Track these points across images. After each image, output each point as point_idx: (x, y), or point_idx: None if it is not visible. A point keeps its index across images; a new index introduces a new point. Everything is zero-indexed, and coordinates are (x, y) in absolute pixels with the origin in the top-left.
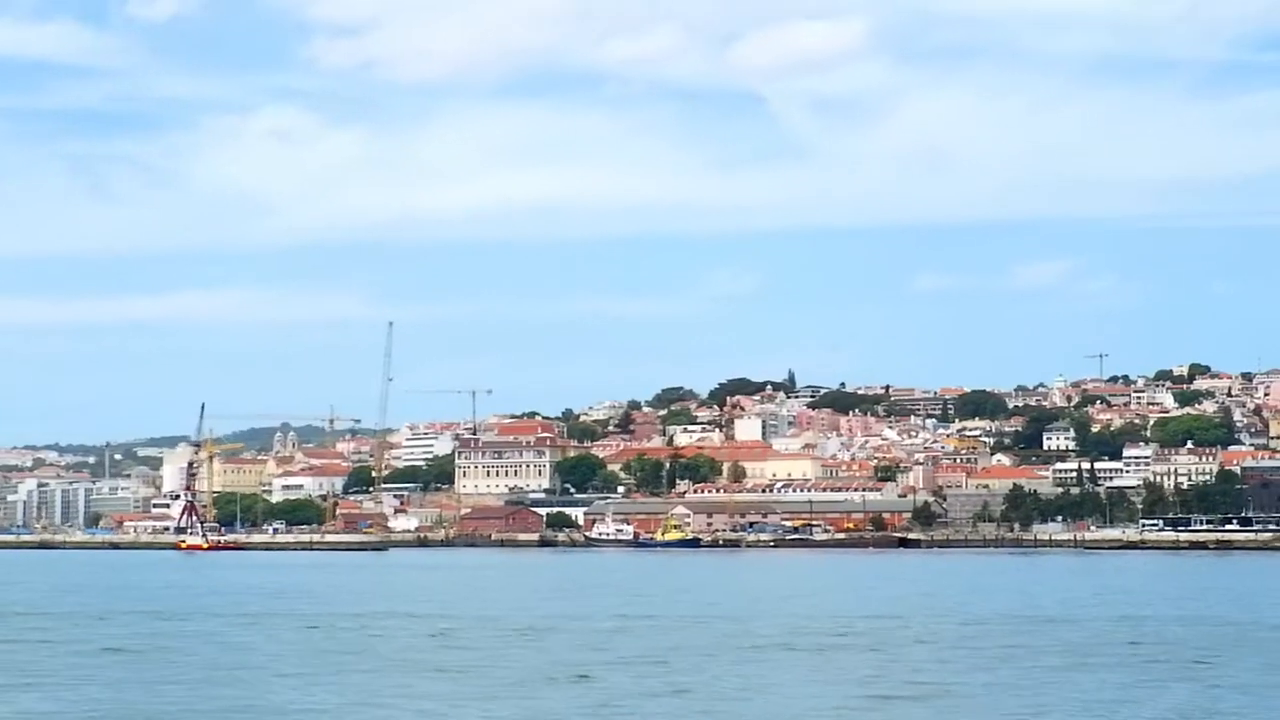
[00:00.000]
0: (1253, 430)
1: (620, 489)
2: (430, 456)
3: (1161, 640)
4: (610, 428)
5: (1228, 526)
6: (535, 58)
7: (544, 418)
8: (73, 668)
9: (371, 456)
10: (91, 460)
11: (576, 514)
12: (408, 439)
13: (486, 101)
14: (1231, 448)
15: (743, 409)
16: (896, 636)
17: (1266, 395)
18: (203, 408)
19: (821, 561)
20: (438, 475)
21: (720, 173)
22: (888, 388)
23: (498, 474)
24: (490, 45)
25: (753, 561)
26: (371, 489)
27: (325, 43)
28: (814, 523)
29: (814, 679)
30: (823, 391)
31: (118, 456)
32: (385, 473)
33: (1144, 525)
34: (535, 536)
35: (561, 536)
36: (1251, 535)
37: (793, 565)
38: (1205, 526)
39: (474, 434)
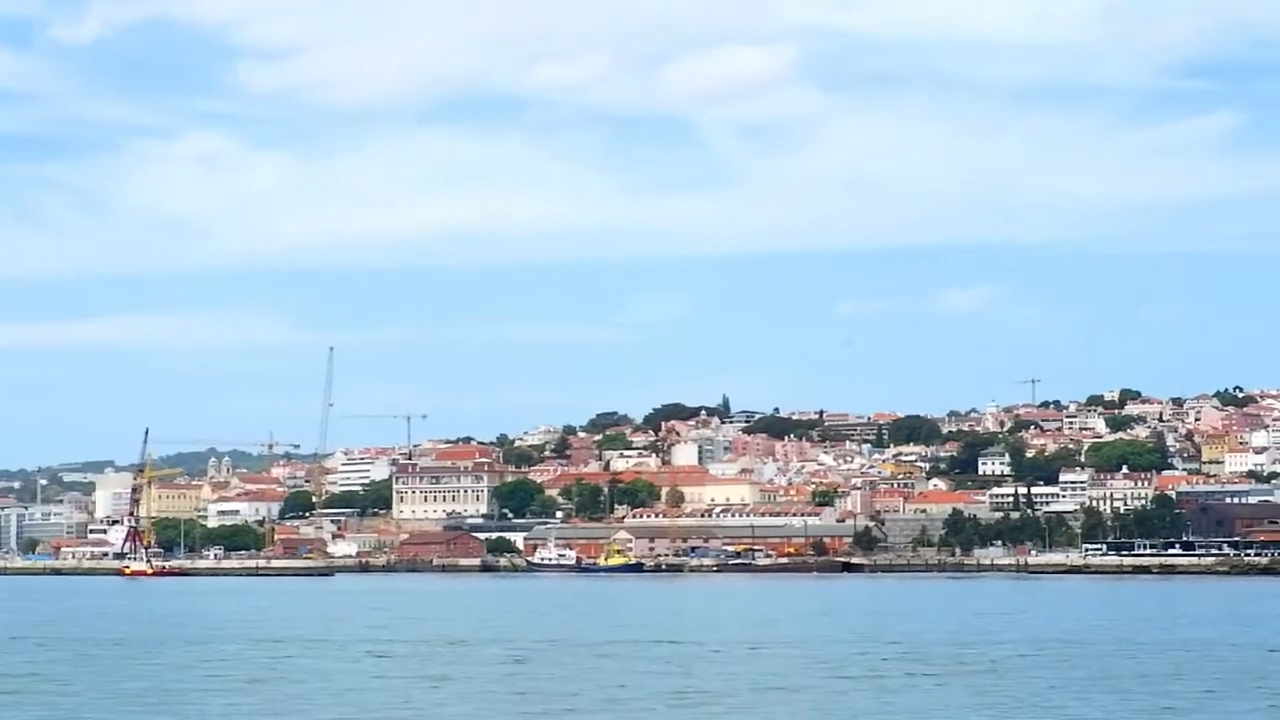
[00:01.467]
0: (1185, 455)
1: (559, 514)
2: (367, 482)
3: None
4: (547, 453)
5: (1170, 551)
6: (462, 83)
7: (479, 443)
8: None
9: (307, 481)
10: (17, 485)
11: (516, 539)
12: (343, 464)
13: (414, 127)
14: (1165, 472)
15: (678, 434)
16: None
17: (1197, 420)
18: (146, 433)
19: (800, 587)
20: (375, 500)
21: (648, 198)
22: (821, 413)
23: (436, 499)
24: (417, 70)
25: (734, 588)
26: (308, 514)
27: (251, 67)
28: (756, 547)
29: None
30: (757, 417)
31: (43, 482)
32: (321, 498)
33: (1087, 550)
34: (477, 562)
35: (503, 561)
36: (1195, 560)
37: (774, 591)
38: (1148, 551)
39: (410, 459)
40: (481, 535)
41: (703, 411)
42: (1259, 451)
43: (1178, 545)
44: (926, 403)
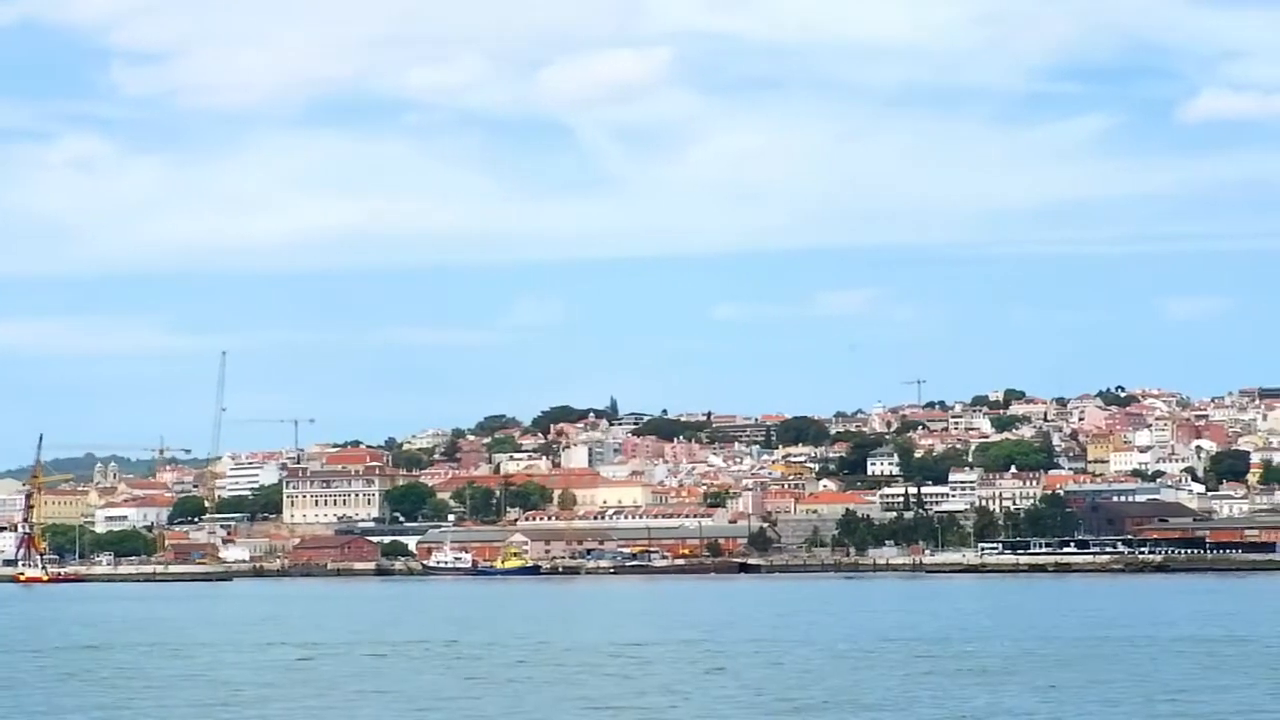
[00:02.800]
0: (1071, 455)
1: (451, 517)
2: (256, 486)
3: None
4: (436, 456)
5: (1066, 550)
6: (340, 86)
7: (368, 446)
8: None
9: (195, 486)
10: None
11: (410, 543)
12: (231, 469)
13: (292, 130)
14: (1052, 472)
15: (567, 437)
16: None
17: (1081, 420)
18: (41, 438)
19: (713, 589)
20: (264, 505)
21: (526, 202)
22: (709, 415)
23: (326, 503)
24: (295, 73)
25: (648, 589)
26: (198, 519)
27: (127, 70)
28: (651, 549)
29: None
30: (646, 419)
31: None
32: (214, 503)
33: (983, 548)
34: (372, 566)
35: (399, 565)
36: (1090, 558)
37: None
38: (1044, 550)
39: (298, 463)
40: (375, 539)
41: (591, 414)
42: (1143, 450)
43: (1073, 544)
44: (812, 404)
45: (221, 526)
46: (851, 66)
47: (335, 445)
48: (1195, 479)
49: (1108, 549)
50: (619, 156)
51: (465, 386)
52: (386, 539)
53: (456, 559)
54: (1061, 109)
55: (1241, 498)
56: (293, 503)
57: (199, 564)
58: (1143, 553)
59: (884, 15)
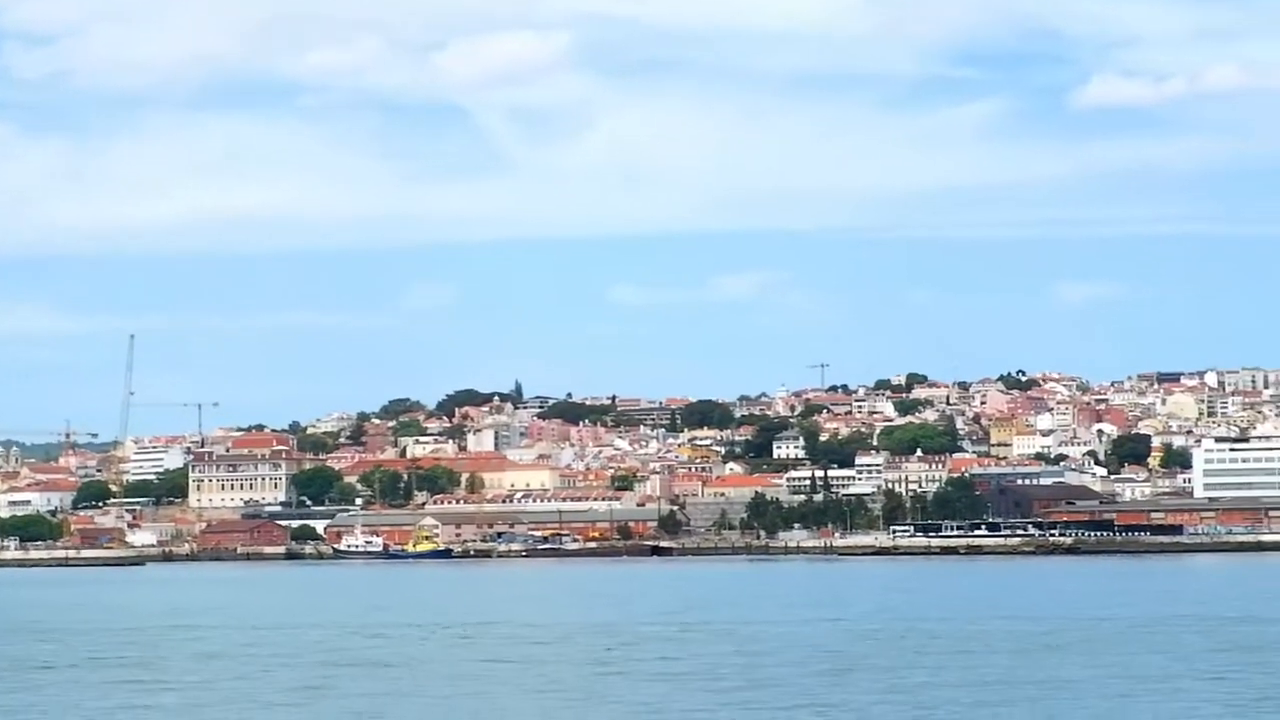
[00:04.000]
0: (974, 438)
1: (358, 501)
2: (160, 470)
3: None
4: (342, 440)
5: (977, 532)
6: (234, 67)
7: (273, 430)
8: None
9: (99, 471)
10: None
11: (318, 527)
12: (135, 453)
13: (188, 112)
14: (956, 455)
15: (473, 420)
16: None
17: (983, 404)
18: None
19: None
20: (170, 489)
21: (422, 184)
22: (614, 398)
23: (232, 487)
24: (188, 55)
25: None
26: (103, 504)
27: (20, 51)
28: (563, 533)
29: None
30: (551, 402)
31: None
32: (115, 488)
33: (895, 531)
34: (281, 550)
35: (309, 549)
36: (1001, 540)
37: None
38: (955, 532)
39: (203, 447)
40: (283, 523)
41: (496, 397)
42: (1045, 434)
43: (984, 527)
44: (714, 388)
45: (127, 510)
46: (748, 52)
47: (239, 429)
48: (1097, 462)
49: (1018, 531)
50: (516, 139)
51: (366, 370)
52: (295, 523)
53: (368, 543)
54: (956, 94)
55: (1144, 481)
56: (199, 487)
57: (108, 548)
58: (1053, 535)
59: (781, 1)
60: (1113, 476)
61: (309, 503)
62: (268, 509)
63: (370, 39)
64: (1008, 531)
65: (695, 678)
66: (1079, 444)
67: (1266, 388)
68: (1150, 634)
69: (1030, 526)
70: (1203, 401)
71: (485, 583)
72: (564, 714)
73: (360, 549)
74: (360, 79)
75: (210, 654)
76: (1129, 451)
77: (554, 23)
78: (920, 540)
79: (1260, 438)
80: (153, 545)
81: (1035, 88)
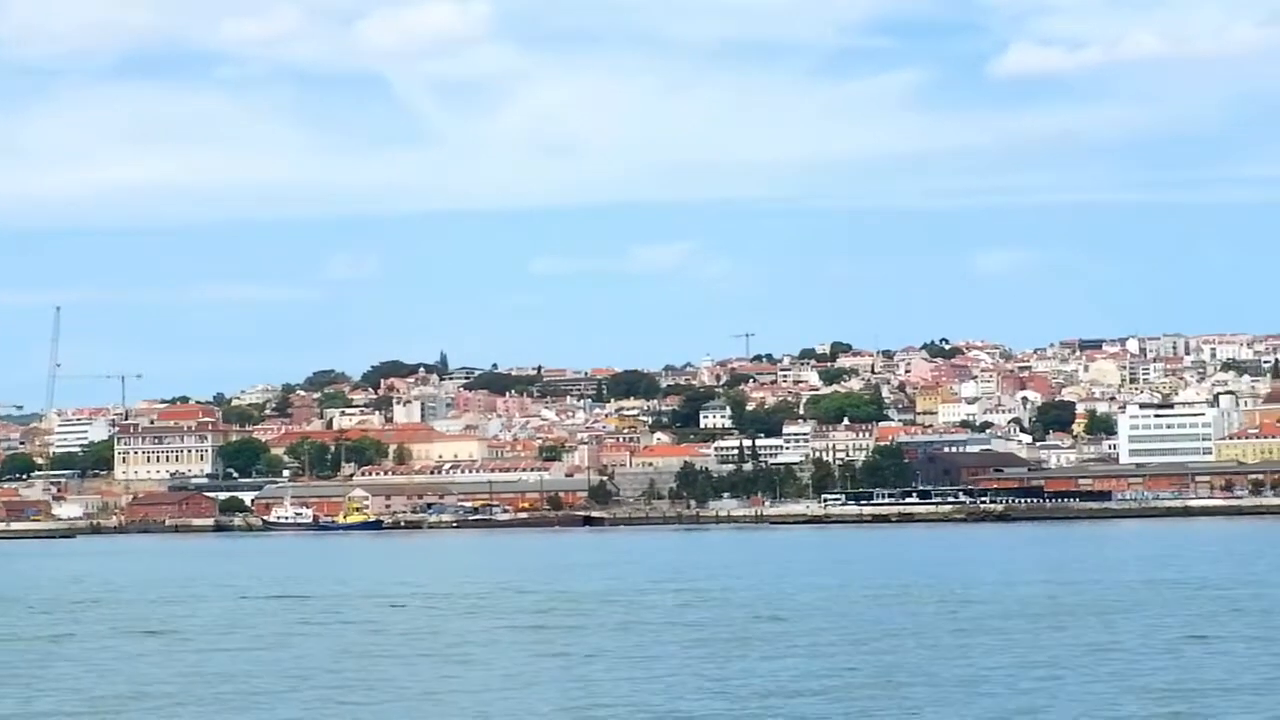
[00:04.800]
0: (900, 406)
1: (285, 473)
2: (85, 443)
3: None
4: (268, 412)
5: (908, 500)
6: (151, 37)
7: (198, 402)
8: None
9: (22, 444)
10: None
11: (247, 498)
12: (59, 425)
13: (106, 82)
14: (883, 423)
15: (399, 391)
16: None
17: (908, 372)
18: None
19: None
20: (95, 462)
21: (341, 155)
22: (539, 369)
23: (159, 459)
24: (105, 25)
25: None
26: (27, 476)
27: None
28: (493, 503)
29: None
30: (477, 373)
31: None
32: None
33: (826, 499)
34: (210, 522)
35: (238, 521)
36: (932, 508)
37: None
38: (887, 501)
39: (127, 419)
40: (211, 495)
41: (421, 368)
42: (970, 402)
43: (915, 494)
44: (639, 358)
45: (52, 483)
46: (669, 21)
47: (163, 401)
48: (1022, 429)
49: (949, 499)
50: (436, 110)
51: (289, 342)
52: (223, 495)
53: (297, 514)
54: (875, 64)
55: (1069, 448)
56: (125, 459)
57: (35, 521)
58: (984, 502)
59: None
60: (1038, 444)
61: (236, 475)
62: (194, 481)
63: (289, 9)
64: (939, 499)
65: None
66: (1003, 411)
67: (1188, 354)
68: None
69: (961, 494)
70: (1125, 368)
71: (460, 550)
72: None
73: (290, 521)
74: (279, 49)
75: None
76: (1053, 419)
77: None
78: (852, 509)
79: (1183, 404)
80: (80, 518)
81: (954, 57)
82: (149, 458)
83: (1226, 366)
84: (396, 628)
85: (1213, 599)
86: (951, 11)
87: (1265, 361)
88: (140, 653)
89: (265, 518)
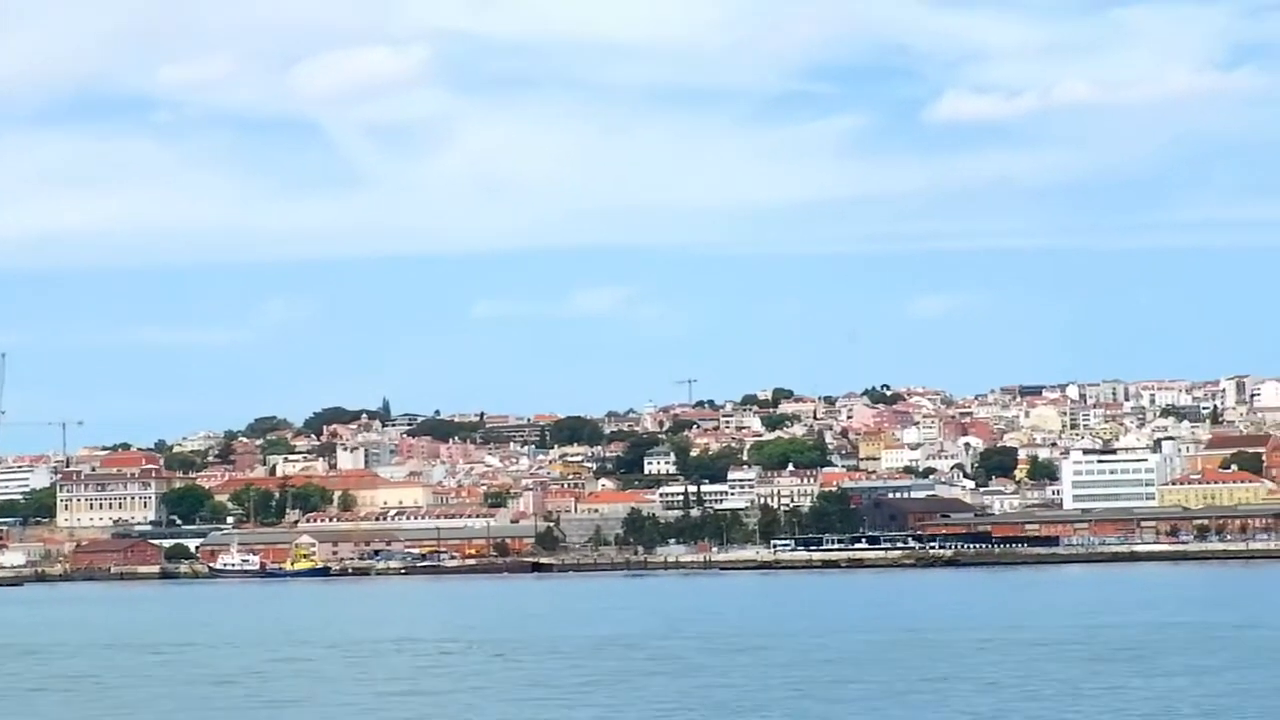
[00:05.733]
0: (843, 452)
1: (230, 519)
2: (27, 490)
3: None
4: (210, 458)
5: (857, 546)
6: (86, 82)
7: (140, 449)
8: None
9: None
10: None
11: (191, 545)
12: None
13: (34, 126)
14: (827, 469)
15: (341, 438)
16: None
17: (850, 418)
18: None
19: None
20: (37, 509)
21: (277, 200)
22: (482, 415)
23: (101, 506)
24: (38, 68)
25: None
26: None
27: None
28: (441, 550)
29: None
30: (419, 419)
31: None
32: None
33: (776, 545)
34: (156, 569)
35: (184, 568)
36: (881, 554)
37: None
38: (836, 546)
39: (68, 466)
40: (156, 542)
41: (364, 414)
42: (913, 448)
43: (864, 540)
44: (580, 404)
45: None
46: (607, 66)
47: (104, 448)
48: (965, 475)
49: (898, 545)
50: (372, 154)
51: (230, 388)
52: (168, 542)
53: (244, 561)
54: (812, 110)
55: (1012, 493)
56: (67, 506)
57: None
58: (932, 548)
59: (639, 15)
60: (981, 489)
61: (179, 522)
62: (138, 528)
63: (225, 54)
64: (887, 544)
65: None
66: (946, 457)
67: (1127, 400)
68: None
69: (910, 539)
70: (1065, 414)
71: (432, 598)
72: None
73: (237, 568)
74: (216, 94)
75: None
76: (996, 464)
77: (410, 38)
78: (801, 554)
79: (1125, 449)
80: (23, 566)
81: (890, 103)
82: (91, 505)
83: (1166, 412)
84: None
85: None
86: (888, 58)
87: (1204, 407)
88: None
89: (211, 565)
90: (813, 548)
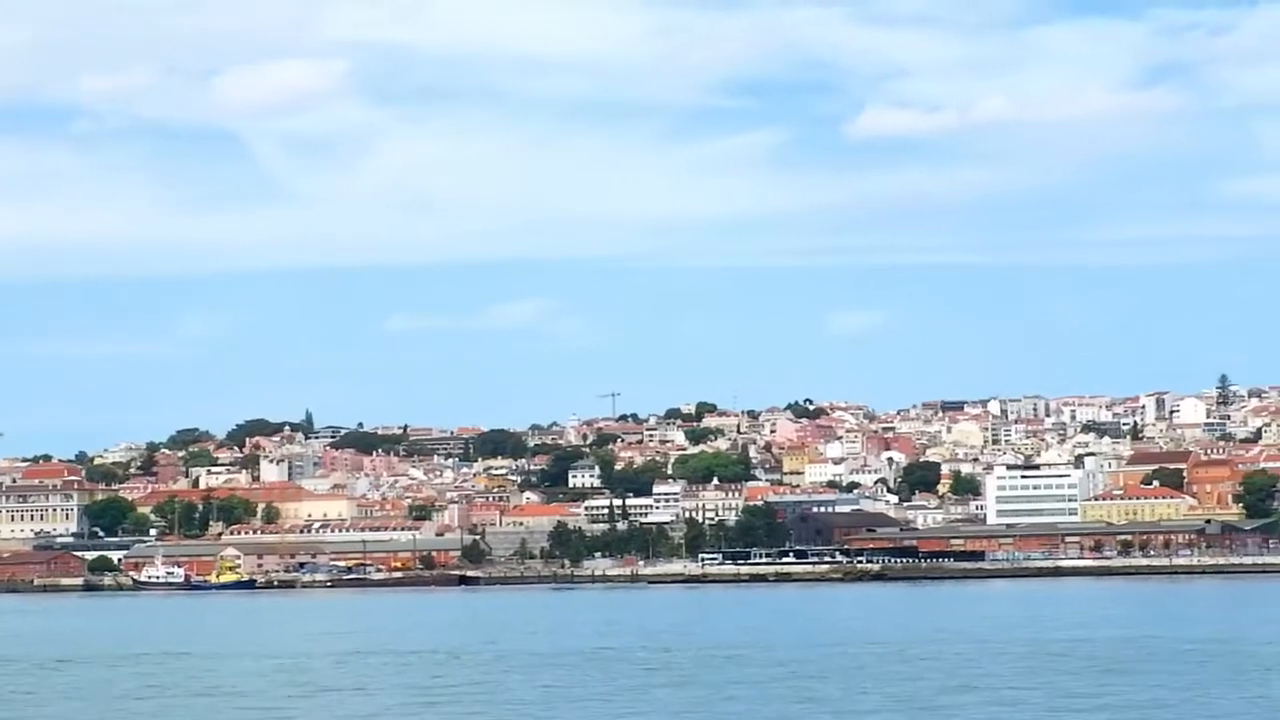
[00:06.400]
0: (767, 466)
1: (153, 532)
2: None
3: None
4: (133, 470)
5: (785, 560)
6: (7, 92)
7: (61, 460)
8: None
9: None
10: None
11: (115, 558)
12: None
13: None
14: (751, 484)
15: (264, 450)
16: None
17: (773, 432)
18: None
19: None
20: None
21: (196, 212)
22: (405, 427)
23: (22, 518)
24: None
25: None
26: None
27: None
28: (366, 563)
29: None
30: (343, 432)
31: None
32: None
33: (704, 559)
34: (79, 581)
35: (108, 580)
36: (809, 568)
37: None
38: (764, 560)
39: None
40: (79, 554)
41: (286, 427)
42: (837, 462)
43: (791, 554)
44: (504, 417)
45: None
46: (527, 79)
47: (25, 459)
48: (889, 490)
49: (826, 559)
50: (292, 167)
51: (150, 399)
52: (91, 554)
53: (169, 574)
54: (734, 124)
55: (935, 508)
56: None
57: None
58: (860, 562)
59: (561, 29)
60: (905, 504)
61: (102, 534)
62: (60, 540)
63: (147, 65)
64: (815, 559)
65: None
66: (869, 472)
67: (1048, 416)
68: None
69: (838, 553)
70: (987, 430)
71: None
72: None
73: (161, 580)
74: (136, 105)
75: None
76: (919, 479)
77: (330, 50)
78: (729, 568)
79: (1047, 465)
80: None
81: (811, 118)
82: (12, 516)
83: (1086, 428)
84: None
85: None
86: (810, 74)
87: (1124, 424)
88: None
89: (136, 577)
90: (740, 562)
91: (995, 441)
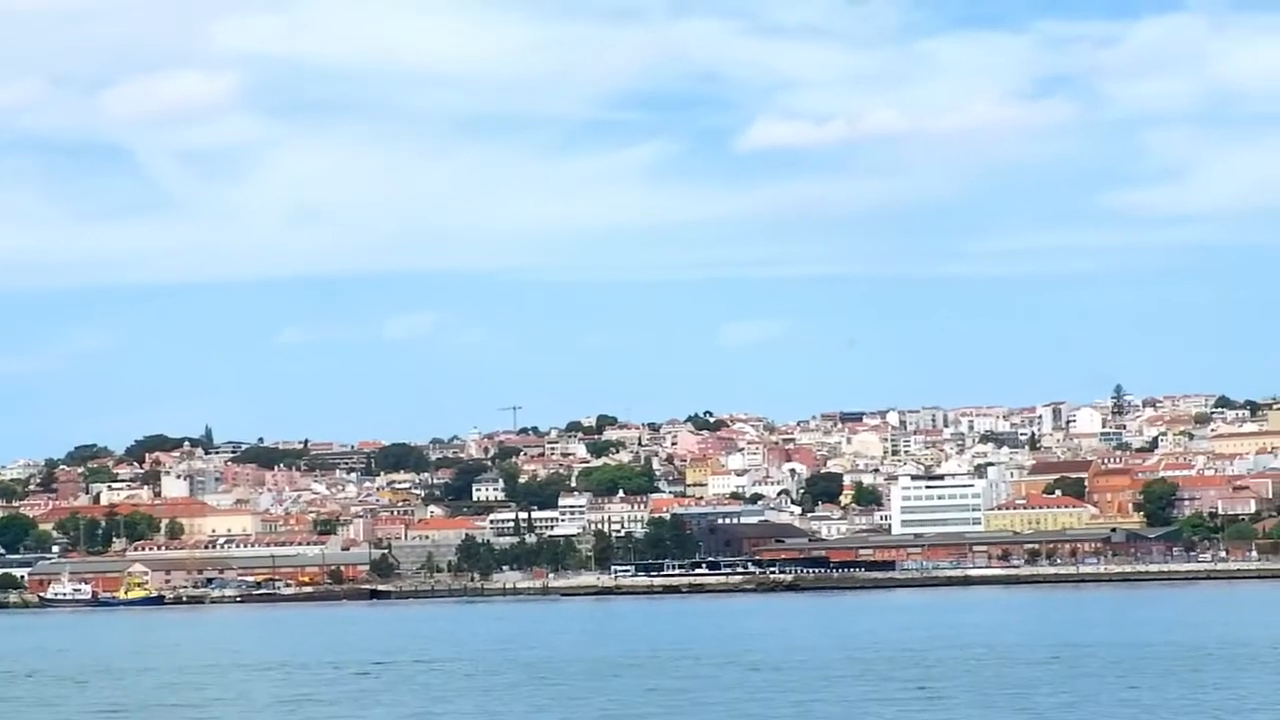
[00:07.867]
0: (670, 478)
1: (55, 548)
2: None
3: None
4: (32, 486)
5: (698, 571)
6: None
7: None
8: None
9: None
10: None
11: (18, 575)
12: None
13: None
14: (655, 495)
15: (164, 465)
16: None
17: (674, 445)
18: None
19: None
20: None
21: (84, 225)
22: (306, 442)
23: None
24: None
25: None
26: None
27: None
28: (275, 578)
29: None
30: (243, 447)
31: None
32: None
33: (616, 570)
34: None
35: (13, 598)
36: (722, 579)
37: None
38: (677, 572)
39: None
40: None
41: (186, 442)
42: (739, 474)
43: (704, 565)
44: (405, 430)
45: None
46: (419, 92)
47: None
48: (793, 501)
49: (739, 570)
50: (181, 179)
51: (45, 415)
52: None
53: (76, 590)
54: (623, 137)
55: (840, 519)
56: None
57: None
58: (773, 573)
59: (452, 43)
60: (809, 515)
61: (3, 551)
62: None
63: (34, 77)
64: (728, 570)
65: None
66: (772, 483)
67: (946, 426)
68: None
69: (750, 564)
70: (887, 440)
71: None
72: None
73: (69, 597)
74: (23, 118)
75: None
76: (822, 490)
77: (220, 63)
78: (642, 580)
79: (949, 475)
80: None
81: (700, 130)
82: None
83: (985, 438)
84: None
85: None
86: (699, 86)
87: (1022, 434)
88: None
89: (42, 594)
90: (653, 573)
91: (895, 452)
